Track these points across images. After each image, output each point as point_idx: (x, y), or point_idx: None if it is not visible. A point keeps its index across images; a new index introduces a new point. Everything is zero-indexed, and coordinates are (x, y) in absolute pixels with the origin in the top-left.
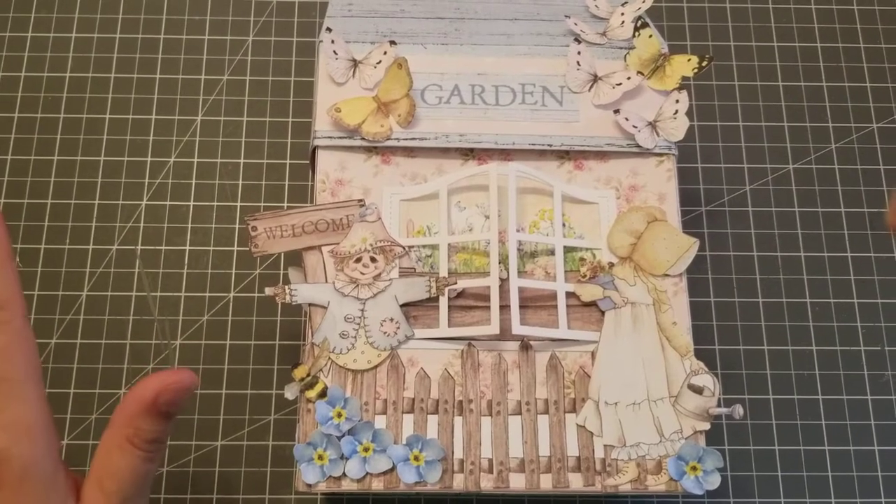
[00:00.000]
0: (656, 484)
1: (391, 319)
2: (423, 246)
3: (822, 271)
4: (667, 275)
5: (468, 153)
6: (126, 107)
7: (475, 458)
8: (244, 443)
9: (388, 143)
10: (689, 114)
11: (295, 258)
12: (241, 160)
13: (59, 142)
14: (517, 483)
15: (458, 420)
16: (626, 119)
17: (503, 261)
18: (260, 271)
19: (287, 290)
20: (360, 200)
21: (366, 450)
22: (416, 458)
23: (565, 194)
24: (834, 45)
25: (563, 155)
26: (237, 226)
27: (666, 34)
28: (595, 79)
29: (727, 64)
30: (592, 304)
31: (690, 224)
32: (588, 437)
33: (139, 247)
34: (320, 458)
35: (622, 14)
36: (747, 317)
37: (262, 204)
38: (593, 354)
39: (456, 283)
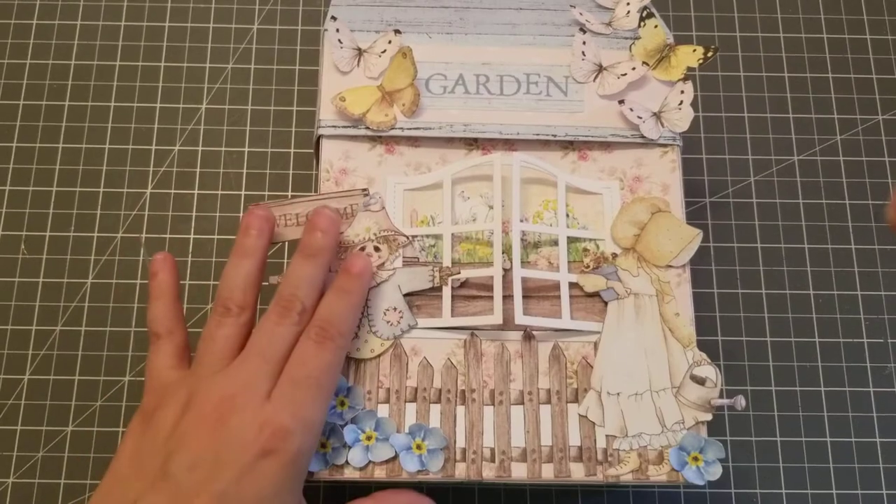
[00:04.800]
0: (658, 474)
1: (394, 309)
2: (427, 235)
3: (825, 263)
4: (670, 266)
5: (472, 143)
6: (131, 95)
7: (477, 448)
8: None
9: (393, 132)
10: (693, 104)
11: None
12: (246, 149)
13: (64, 129)
14: (519, 472)
15: (460, 409)
16: (631, 109)
17: (506, 251)
18: None
19: None
20: (364, 190)
21: (368, 438)
22: (419, 447)
23: (569, 185)
24: (840, 36)
25: (568, 145)
26: (241, 214)
27: (671, 24)
28: (600, 69)
29: (733, 55)
30: (595, 294)
31: (694, 215)
32: (590, 426)
33: (143, 235)
34: (323, 446)
35: (627, 4)
36: (750, 308)
37: (267, 193)
38: (596, 345)
39: (459, 273)
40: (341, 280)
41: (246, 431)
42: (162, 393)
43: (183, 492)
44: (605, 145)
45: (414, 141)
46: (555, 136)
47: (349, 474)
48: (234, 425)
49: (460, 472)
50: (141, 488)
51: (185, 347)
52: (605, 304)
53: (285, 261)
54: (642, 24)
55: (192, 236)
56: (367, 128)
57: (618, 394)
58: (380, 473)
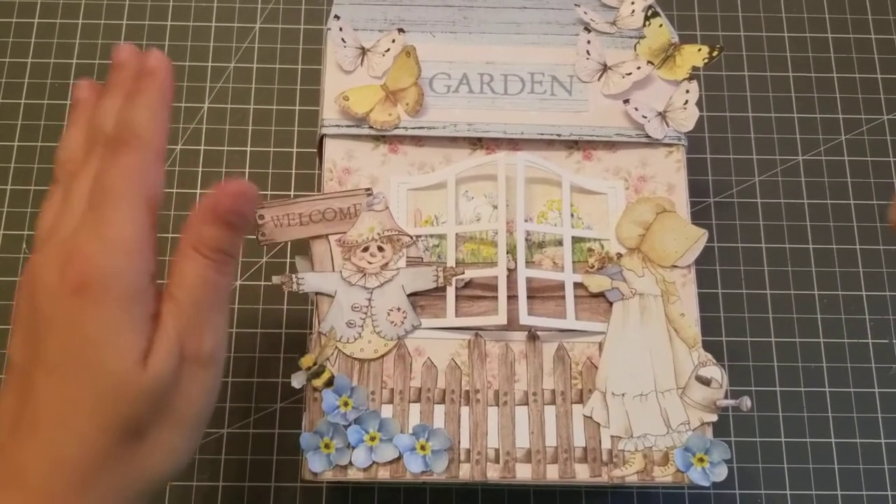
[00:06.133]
0: (663, 475)
1: (398, 309)
2: (431, 235)
3: (830, 263)
4: (675, 266)
5: (476, 142)
6: None
7: (481, 448)
8: (250, 431)
9: (396, 131)
10: (698, 104)
11: (302, 247)
12: (248, 148)
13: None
14: (523, 473)
15: (464, 410)
16: (636, 109)
17: (511, 251)
18: (267, 260)
19: (294, 279)
20: (368, 189)
21: (372, 439)
22: (423, 448)
23: (574, 184)
24: (845, 35)
25: (572, 145)
26: None
27: (676, 24)
28: (605, 68)
29: (737, 54)
30: (600, 294)
31: (699, 215)
32: (595, 427)
33: None
34: (326, 446)
35: (632, 3)
36: (755, 308)
37: (269, 192)
38: (601, 345)
39: (463, 273)
40: (136, 81)
41: (50, 277)
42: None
43: (22, 374)
44: (610, 145)
45: (418, 140)
46: (559, 135)
47: (353, 475)
48: (39, 278)
49: (464, 472)
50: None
51: None
52: (610, 304)
53: (288, 261)
54: (647, 23)
55: None
56: (371, 127)
57: (623, 394)
58: (383, 474)
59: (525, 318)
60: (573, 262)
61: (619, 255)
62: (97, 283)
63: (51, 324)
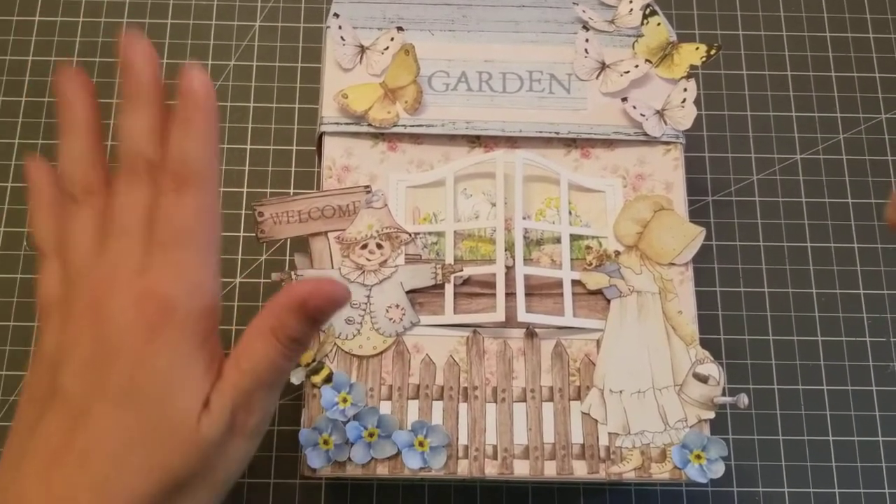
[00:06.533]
0: (660, 472)
1: (397, 306)
2: (430, 233)
3: (828, 262)
4: (673, 263)
5: (475, 140)
6: None
7: (480, 445)
8: None
9: (395, 129)
10: (696, 103)
11: (301, 244)
12: (248, 146)
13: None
14: (521, 470)
15: (462, 406)
16: (634, 107)
17: (509, 248)
18: (266, 257)
19: (293, 276)
20: (367, 187)
21: (371, 435)
22: (421, 444)
23: (572, 182)
24: (843, 34)
25: (570, 143)
26: (243, 211)
27: (674, 22)
28: (603, 66)
29: (735, 53)
30: (598, 292)
31: (697, 213)
32: (592, 424)
33: None
34: (325, 442)
35: (630, 2)
36: (753, 306)
37: (269, 190)
38: (598, 342)
39: (462, 271)
40: (183, 110)
41: (125, 314)
42: (47, 314)
43: (77, 403)
44: (608, 143)
45: (416, 138)
46: (557, 133)
47: (351, 471)
48: (110, 313)
49: (463, 469)
50: (37, 413)
51: None
52: (608, 301)
53: (287, 258)
54: (645, 21)
55: None
56: (370, 125)
57: (620, 391)
58: (382, 470)
59: (523, 316)
60: (571, 259)
61: (617, 253)
62: (173, 324)
63: (121, 356)
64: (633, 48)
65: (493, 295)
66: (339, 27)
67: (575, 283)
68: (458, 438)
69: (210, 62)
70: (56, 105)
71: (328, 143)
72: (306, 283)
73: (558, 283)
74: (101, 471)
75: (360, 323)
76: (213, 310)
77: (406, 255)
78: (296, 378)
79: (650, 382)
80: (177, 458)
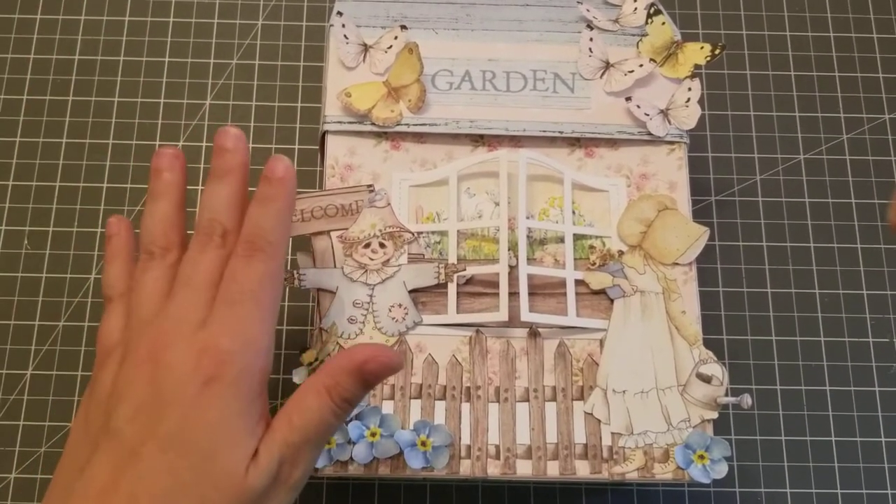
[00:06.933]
0: (663, 472)
1: (399, 305)
2: (433, 232)
3: (831, 262)
4: (676, 263)
5: (478, 139)
6: (135, 90)
7: (482, 445)
8: None
9: (398, 128)
10: (700, 102)
11: (304, 243)
12: (251, 145)
13: (68, 124)
14: (524, 469)
15: (465, 406)
16: (638, 107)
17: (512, 248)
18: None
19: (296, 275)
20: (370, 186)
21: (373, 434)
22: (424, 444)
23: (575, 181)
24: (847, 34)
25: (574, 142)
26: None
27: (678, 22)
28: (607, 66)
29: (739, 53)
30: (601, 291)
31: (700, 213)
32: (595, 424)
33: None
34: (328, 442)
35: (635, 1)
36: (756, 307)
37: None
38: (602, 342)
39: (465, 270)
40: (263, 189)
41: (183, 364)
42: (105, 355)
43: (127, 444)
44: (612, 142)
45: (420, 137)
46: (561, 132)
47: (353, 470)
48: (169, 361)
49: (465, 469)
50: (88, 451)
51: None
52: (611, 301)
53: (290, 257)
54: (649, 21)
55: None
56: (373, 124)
57: (623, 391)
58: (384, 470)
59: (526, 315)
60: (574, 259)
61: (621, 253)
62: (228, 378)
63: (175, 404)
64: (638, 47)
65: (497, 294)
66: (343, 25)
67: (578, 282)
68: (460, 438)
69: (212, 60)
70: (150, 171)
71: (331, 141)
72: (366, 349)
73: (562, 283)
74: None
75: (363, 322)
76: (266, 369)
77: (409, 254)
78: (298, 377)
79: (653, 382)
80: None
